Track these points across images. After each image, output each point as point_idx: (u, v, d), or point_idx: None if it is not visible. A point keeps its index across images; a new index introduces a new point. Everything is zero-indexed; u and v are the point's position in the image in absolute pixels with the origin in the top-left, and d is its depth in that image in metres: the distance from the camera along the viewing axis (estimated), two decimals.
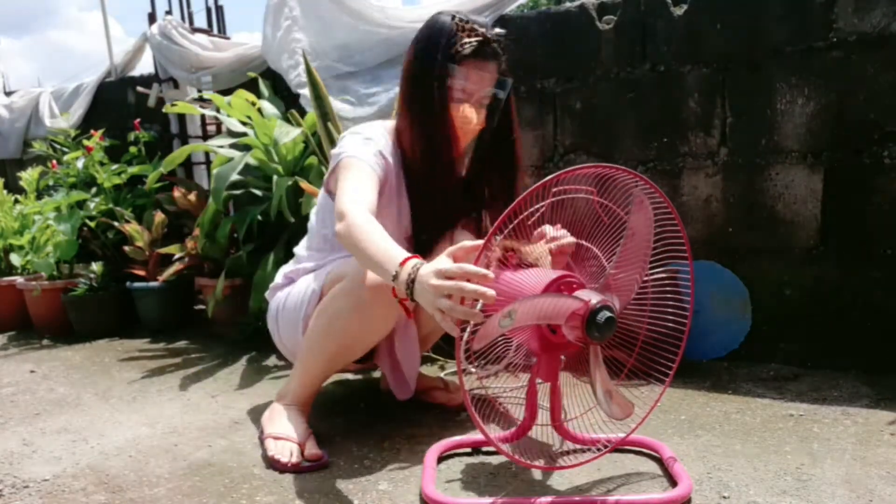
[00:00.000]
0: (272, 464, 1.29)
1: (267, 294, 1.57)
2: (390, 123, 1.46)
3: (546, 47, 2.13)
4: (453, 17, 1.33)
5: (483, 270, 0.98)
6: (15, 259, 2.77)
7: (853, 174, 1.75)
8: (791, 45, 1.78)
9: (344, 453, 1.35)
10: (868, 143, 1.72)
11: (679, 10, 1.92)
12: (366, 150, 1.35)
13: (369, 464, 1.29)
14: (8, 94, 3.97)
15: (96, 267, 2.63)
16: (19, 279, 2.73)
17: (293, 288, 1.47)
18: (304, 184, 2.01)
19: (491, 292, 0.96)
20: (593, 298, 1.02)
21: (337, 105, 2.27)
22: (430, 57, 1.33)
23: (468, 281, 0.97)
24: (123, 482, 1.26)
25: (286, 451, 1.29)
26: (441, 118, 1.35)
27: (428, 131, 1.36)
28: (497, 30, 1.37)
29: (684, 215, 1.97)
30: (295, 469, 1.26)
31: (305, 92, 2.27)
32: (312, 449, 1.31)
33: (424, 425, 1.48)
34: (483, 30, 1.34)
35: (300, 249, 1.55)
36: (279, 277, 1.55)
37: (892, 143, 1.70)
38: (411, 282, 1.03)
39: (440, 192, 1.41)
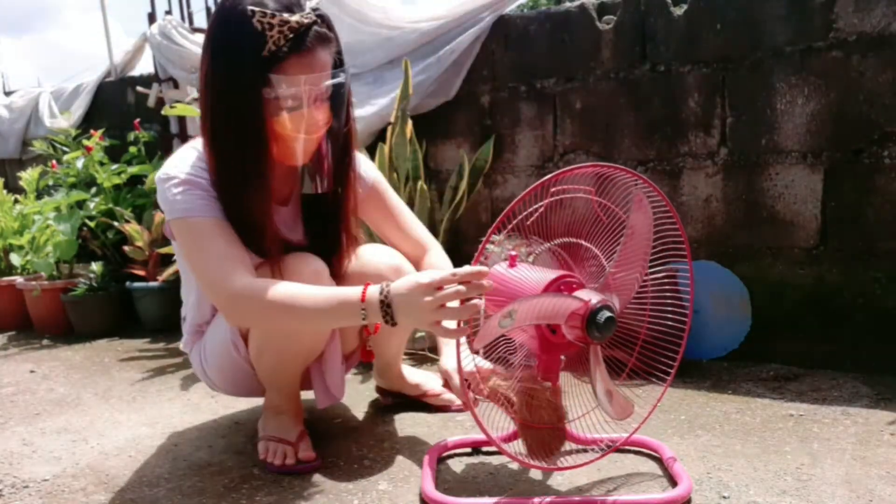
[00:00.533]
0: (265, 466, 1.29)
1: (183, 347, 1.45)
2: (199, 141, 1.20)
3: (546, 47, 2.13)
4: (252, 13, 1.04)
5: (478, 267, 0.98)
6: (15, 259, 2.77)
7: (853, 174, 1.75)
8: (791, 45, 1.78)
9: (344, 453, 1.35)
10: (868, 143, 1.72)
11: (679, 10, 1.92)
12: (187, 200, 1.12)
13: (369, 464, 1.29)
14: (8, 94, 3.98)
15: (96, 267, 2.63)
16: (19, 279, 2.73)
17: (205, 345, 1.36)
18: None
19: (489, 282, 0.97)
20: (593, 298, 1.02)
21: None
22: (235, 74, 1.07)
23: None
24: (123, 482, 1.26)
25: (279, 453, 1.28)
26: (264, 145, 1.12)
27: (247, 162, 1.12)
28: (310, 2, 1.13)
29: (684, 215, 1.97)
30: (287, 470, 1.26)
31: None
32: (306, 451, 1.29)
33: (424, 425, 1.48)
34: (296, 15, 1.06)
35: (185, 298, 1.40)
36: (184, 336, 1.43)
37: (892, 143, 1.70)
38: (387, 307, 1.01)
39: (274, 229, 1.20)
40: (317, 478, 1.24)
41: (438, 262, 1.40)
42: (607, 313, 1.01)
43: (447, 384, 1.34)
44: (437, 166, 2.39)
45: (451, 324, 1.03)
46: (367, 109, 2.32)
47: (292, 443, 1.31)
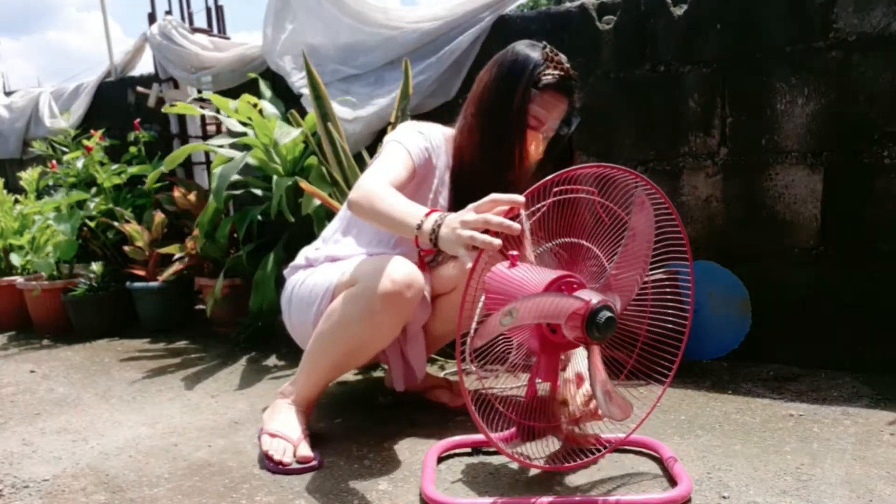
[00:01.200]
0: (265, 459, 1.29)
1: (286, 272, 1.56)
2: (449, 130, 1.48)
3: None
4: (545, 47, 1.38)
5: (506, 221, 1.02)
6: (15, 259, 2.77)
7: (853, 174, 1.75)
8: (791, 45, 1.78)
9: (344, 453, 1.35)
10: (868, 143, 1.72)
11: (679, 10, 1.92)
12: (413, 140, 1.39)
13: (369, 464, 1.29)
14: (8, 94, 3.98)
15: (96, 267, 2.63)
16: (19, 279, 2.73)
17: (311, 275, 1.45)
18: (304, 184, 2.01)
19: (516, 226, 1.02)
20: (594, 298, 1.02)
21: (337, 106, 2.27)
22: (516, 79, 1.36)
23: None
24: (123, 482, 1.26)
25: (280, 449, 1.30)
26: (513, 140, 1.37)
27: (496, 150, 1.38)
28: (572, 71, 1.41)
29: (684, 215, 1.97)
30: (283, 470, 1.26)
31: (306, 92, 2.27)
32: (304, 451, 1.30)
33: (424, 425, 1.48)
34: (567, 65, 1.39)
35: (328, 231, 1.56)
36: (300, 258, 1.54)
37: (892, 143, 1.70)
38: (437, 227, 1.11)
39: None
40: (317, 478, 1.24)
41: None
42: (607, 313, 1.01)
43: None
44: None
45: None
46: (368, 109, 2.32)
47: (294, 442, 1.32)
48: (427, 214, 1.15)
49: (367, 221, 1.32)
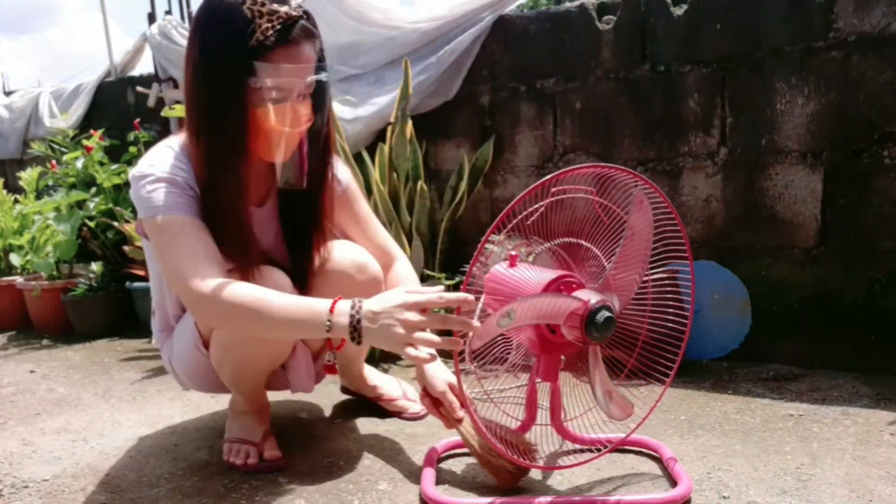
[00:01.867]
0: (228, 466, 1.29)
1: (155, 343, 1.43)
2: (181, 139, 1.19)
3: (546, 47, 2.13)
4: (243, 1, 1.04)
5: (465, 295, 0.98)
6: (15, 259, 2.77)
7: (853, 174, 1.75)
8: (791, 45, 1.78)
9: (344, 453, 1.35)
10: (868, 143, 1.72)
11: (679, 10, 1.92)
12: (166, 197, 1.10)
13: (369, 464, 1.29)
14: (8, 94, 3.97)
15: (96, 267, 2.63)
16: (19, 279, 2.73)
17: (174, 338, 1.34)
18: None
19: (475, 324, 0.97)
20: (592, 298, 1.02)
21: (337, 106, 2.27)
22: (220, 63, 1.07)
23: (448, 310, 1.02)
24: (123, 482, 1.26)
25: (242, 454, 1.29)
26: (244, 135, 1.11)
27: (230, 160, 1.12)
28: (294, 10, 1.09)
29: (684, 215, 1.97)
30: (252, 469, 1.27)
31: None
32: (271, 450, 1.30)
33: (424, 425, 1.48)
34: (284, 8, 1.07)
35: (155, 296, 1.38)
36: (154, 333, 1.41)
37: (892, 143, 1.70)
38: (356, 323, 0.99)
39: (250, 228, 1.19)
40: (317, 478, 1.24)
41: (404, 275, 1.37)
42: (606, 313, 1.01)
43: (426, 395, 1.23)
44: (437, 166, 2.39)
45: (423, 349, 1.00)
46: (367, 109, 2.32)
47: (256, 443, 1.31)
48: (331, 309, 1.01)
49: (245, 329, 1.11)
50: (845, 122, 1.74)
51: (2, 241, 2.85)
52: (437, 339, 0.98)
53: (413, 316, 0.98)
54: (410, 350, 0.98)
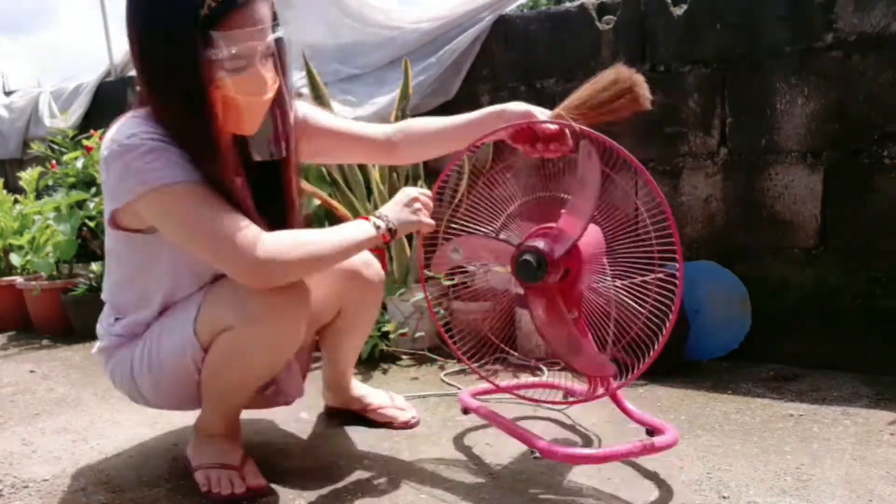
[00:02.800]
0: (211, 498, 1.16)
1: (98, 354, 1.27)
2: (140, 112, 1.07)
3: (546, 47, 2.13)
4: None
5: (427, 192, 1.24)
6: (15, 259, 2.77)
7: (853, 174, 1.75)
8: (791, 45, 1.78)
9: (344, 453, 1.35)
10: (868, 143, 1.72)
11: (679, 10, 1.92)
12: (174, 165, 1.02)
13: (369, 463, 1.29)
14: (8, 94, 3.97)
15: (96, 267, 2.62)
16: (19, 279, 2.73)
17: (150, 345, 1.18)
18: (303, 184, 2.01)
19: (430, 221, 1.23)
20: (534, 243, 1.12)
21: (337, 106, 2.27)
22: (173, 30, 0.97)
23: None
24: (123, 482, 1.26)
25: (224, 481, 1.17)
26: (211, 115, 1.02)
27: (204, 148, 1.04)
28: None
29: (684, 215, 1.97)
30: (238, 499, 1.15)
31: (306, 92, 2.27)
32: (255, 479, 1.19)
33: (425, 425, 1.48)
34: None
35: (121, 296, 1.23)
36: (107, 338, 1.23)
37: (892, 143, 1.70)
38: (388, 222, 1.17)
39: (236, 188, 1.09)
40: (317, 477, 1.24)
41: (422, 123, 1.36)
42: (526, 257, 1.11)
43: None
44: (438, 166, 2.39)
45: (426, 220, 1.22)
46: (367, 109, 2.32)
47: (237, 467, 1.20)
48: (366, 219, 1.17)
49: (312, 272, 1.11)
50: (845, 122, 1.74)
51: (2, 241, 2.85)
52: (430, 204, 1.24)
53: (416, 205, 1.21)
54: (423, 217, 1.21)
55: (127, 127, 1.04)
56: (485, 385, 1.38)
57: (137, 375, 1.19)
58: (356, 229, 1.15)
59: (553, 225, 1.16)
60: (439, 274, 1.25)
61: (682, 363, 1.79)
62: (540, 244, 1.13)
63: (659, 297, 1.10)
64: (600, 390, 1.21)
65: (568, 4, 2.11)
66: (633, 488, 1.14)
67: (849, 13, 1.71)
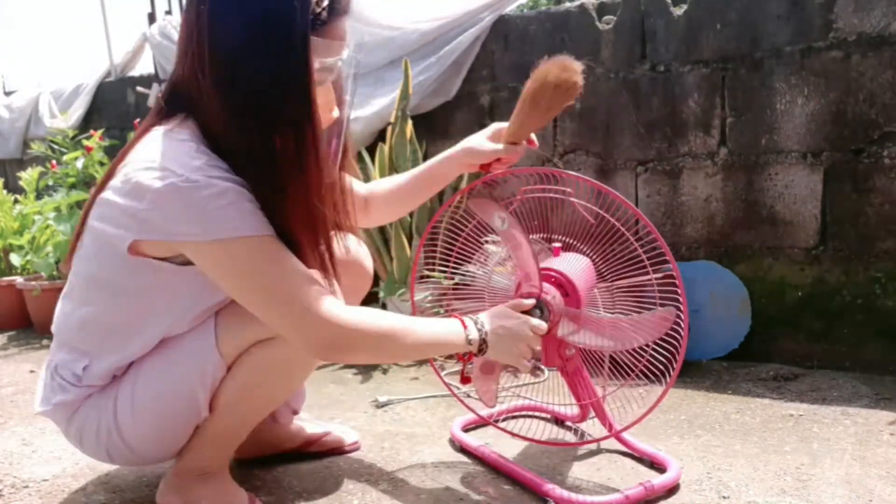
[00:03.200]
0: None
1: (53, 412, 1.08)
2: (185, 132, 0.93)
3: (546, 47, 2.13)
4: None
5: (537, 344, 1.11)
6: (15, 259, 2.77)
7: (853, 174, 1.75)
8: (791, 45, 1.78)
9: (344, 454, 1.35)
10: (868, 143, 1.72)
11: (679, 10, 1.92)
12: (248, 212, 0.89)
13: (369, 464, 1.29)
14: (8, 94, 3.97)
15: None
16: (19, 279, 2.73)
17: (142, 383, 1.02)
18: None
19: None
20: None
21: None
22: (284, 31, 0.86)
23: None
24: (123, 482, 1.26)
25: None
26: (316, 121, 0.92)
27: (309, 160, 0.92)
28: None
29: (684, 215, 1.97)
30: None
31: None
32: None
33: (424, 425, 1.48)
34: None
35: (87, 345, 1.03)
36: (70, 390, 1.04)
37: (891, 143, 1.70)
38: (485, 336, 1.05)
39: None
40: (317, 478, 1.24)
41: (384, 185, 1.28)
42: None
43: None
44: None
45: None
46: (367, 109, 2.32)
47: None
48: (463, 325, 1.05)
49: (380, 359, 1.13)
50: (845, 122, 1.74)
51: (2, 241, 2.85)
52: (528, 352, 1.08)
53: (527, 336, 1.07)
54: (522, 363, 1.08)
55: (183, 154, 0.89)
56: (482, 407, 1.33)
57: (123, 424, 1.02)
58: (448, 330, 1.04)
59: (551, 269, 1.15)
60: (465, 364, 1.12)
61: (682, 363, 1.78)
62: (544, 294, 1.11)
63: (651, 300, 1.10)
64: (604, 431, 1.22)
65: (568, 4, 2.11)
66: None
67: (849, 13, 1.71)
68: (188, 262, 0.95)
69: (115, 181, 0.94)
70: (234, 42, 0.87)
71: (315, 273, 0.96)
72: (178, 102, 0.95)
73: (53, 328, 1.07)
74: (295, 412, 1.32)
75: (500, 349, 1.06)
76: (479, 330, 1.05)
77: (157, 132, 0.94)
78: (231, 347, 1.01)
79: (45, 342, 2.55)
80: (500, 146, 1.18)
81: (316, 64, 0.90)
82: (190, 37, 0.90)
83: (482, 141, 1.20)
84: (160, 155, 0.89)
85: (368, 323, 0.96)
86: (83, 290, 1.03)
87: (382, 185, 1.29)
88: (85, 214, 1.01)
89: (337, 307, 0.93)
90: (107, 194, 0.95)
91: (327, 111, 0.98)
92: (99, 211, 0.96)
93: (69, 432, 1.08)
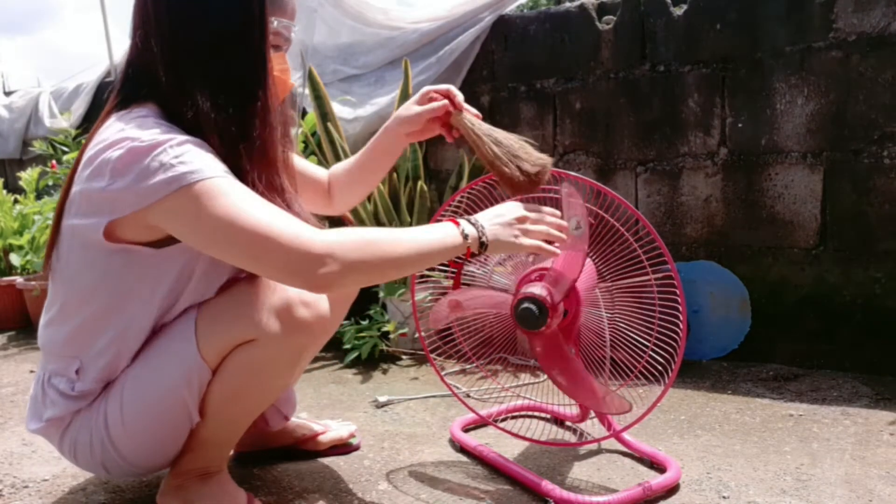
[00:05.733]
0: None
1: (45, 429, 1.04)
2: (143, 110, 0.93)
3: (546, 47, 2.13)
4: None
5: (552, 210, 1.08)
6: (15, 259, 2.77)
7: (853, 174, 1.75)
8: (791, 45, 1.78)
9: (344, 452, 1.35)
10: (868, 143, 1.72)
11: (679, 10, 1.92)
12: (210, 159, 0.89)
13: (369, 464, 1.29)
14: (8, 94, 3.98)
15: None
16: (19, 279, 2.73)
17: (128, 390, 1.00)
18: None
19: (564, 223, 1.05)
20: (530, 290, 1.09)
21: (337, 106, 2.27)
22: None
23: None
24: (123, 483, 1.26)
25: None
26: (268, 86, 0.94)
27: (255, 116, 0.93)
28: None
29: (684, 215, 1.97)
30: None
31: (306, 92, 2.27)
32: None
33: (424, 425, 1.48)
34: None
35: (77, 350, 1.00)
36: (62, 403, 1.01)
37: (891, 143, 1.70)
38: (481, 231, 1.00)
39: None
40: (317, 478, 1.24)
41: (343, 166, 1.32)
42: (526, 305, 1.07)
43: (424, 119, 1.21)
44: (437, 166, 2.39)
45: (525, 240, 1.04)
46: (367, 109, 2.32)
47: None
48: (455, 223, 1.00)
49: (379, 278, 0.99)
50: (845, 122, 1.74)
51: (2, 241, 2.85)
52: (538, 227, 1.03)
53: (521, 214, 1.04)
54: (524, 240, 1.02)
55: (140, 125, 0.89)
56: (482, 407, 1.36)
57: (115, 436, 1.00)
58: (437, 231, 0.98)
59: (548, 266, 1.13)
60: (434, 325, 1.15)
61: (682, 363, 1.78)
62: (538, 290, 1.09)
63: (662, 332, 1.11)
64: (604, 431, 1.23)
65: (568, 4, 2.11)
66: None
67: (849, 13, 1.71)
68: (166, 244, 0.95)
69: (79, 173, 0.93)
70: (191, 21, 0.91)
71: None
72: (133, 87, 0.97)
73: (40, 345, 1.05)
74: (286, 418, 1.29)
75: (497, 234, 1.01)
76: (473, 223, 1.00)
77: (113, 118, 0.95)
78: (213, 351, 0.99)
79: None
80: (428, 107, 1.18)
81: (273, 22, 0.92)
82: (142, 5, 0.93)
83: (410, 106, 1.19)
84: (117, 132, 0.89)
85: (353, 239, 0.91)
86: (66, 310, 1.01)
87: (338, 167, 1.31)
88: (58, 216, 0.99)
89: (315, 230, 0.90)
90: (74, 189, 0.94)
91: (289, 74, 1.00)
92: (70, 209, 0.95)
93: (63, 449, 1.06)
